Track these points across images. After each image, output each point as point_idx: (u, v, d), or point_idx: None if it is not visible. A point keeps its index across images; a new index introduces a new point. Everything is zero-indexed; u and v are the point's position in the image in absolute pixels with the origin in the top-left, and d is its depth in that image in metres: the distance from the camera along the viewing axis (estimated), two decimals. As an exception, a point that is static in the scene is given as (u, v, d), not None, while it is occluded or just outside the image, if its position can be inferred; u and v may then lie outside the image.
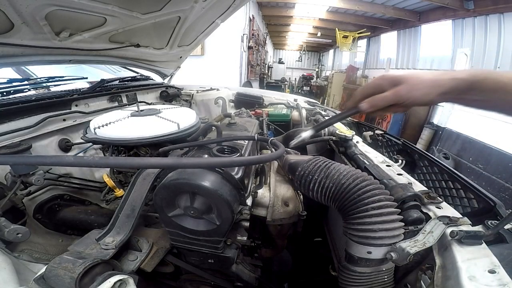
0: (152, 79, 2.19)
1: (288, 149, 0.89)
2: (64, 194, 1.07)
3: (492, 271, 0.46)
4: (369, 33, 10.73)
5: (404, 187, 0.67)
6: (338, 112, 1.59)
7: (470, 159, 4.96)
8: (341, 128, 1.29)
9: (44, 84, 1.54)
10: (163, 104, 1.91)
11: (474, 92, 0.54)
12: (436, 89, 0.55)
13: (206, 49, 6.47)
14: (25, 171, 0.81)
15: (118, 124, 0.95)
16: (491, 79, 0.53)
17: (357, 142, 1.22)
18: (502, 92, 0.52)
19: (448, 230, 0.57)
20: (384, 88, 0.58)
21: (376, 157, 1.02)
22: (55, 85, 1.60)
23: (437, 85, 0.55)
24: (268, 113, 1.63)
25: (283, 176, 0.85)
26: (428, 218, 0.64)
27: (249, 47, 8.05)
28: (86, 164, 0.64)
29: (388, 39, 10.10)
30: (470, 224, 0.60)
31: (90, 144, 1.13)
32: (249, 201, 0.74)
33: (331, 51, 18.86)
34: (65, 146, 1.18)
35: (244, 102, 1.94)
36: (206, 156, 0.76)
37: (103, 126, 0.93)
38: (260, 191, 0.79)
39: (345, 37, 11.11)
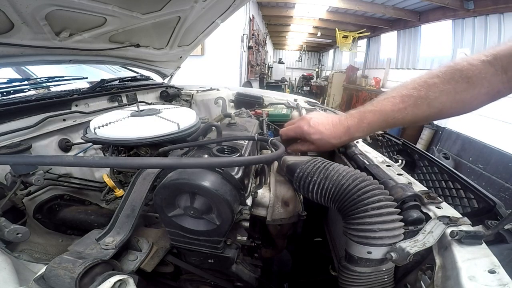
0: (152, 79, 2.19)
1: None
2: (64, 194, 1.07)
3: (492, 271, 0.46)
4: (369, 33, 10.74)
5: (404, 187, 0.67)
6: (338, 111, 1.59)
7: (470, 159, 4.96)
8: (341, 128, 1.28)
9: (44, 84, 1.53)
10: (163, 104, 1.91)
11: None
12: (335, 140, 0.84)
13: (206, 49, 6.48)
14: (25, 171, 0.81)
15: (118, 124, 0.94)
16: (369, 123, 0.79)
17: (357, 142, 1.22)
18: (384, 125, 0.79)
19: (448, 230, 0.57)
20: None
21: (376, 157, 1.02)
22: (55, 85, 1.60)
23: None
24: (268, 113, 1.62)
25: (283, 176, 0.85)
26: (428, 218, 0.63)
27: (249, 47, 8.06)
28: (86, 164, 0.64)
29: (388, 39, 10.11)
30: (470, 224, 0.60)
31: (90, 144, 1.13)
32: (249, 201, 0.74)
33: (331, 51, 18.86)
34: (65, 146, 1.18)
35: (244, 102, 1.94)
36: (206, 156, 0.76)
37: (103, 126, 0.92)
38: (260, 191, 0.79)
39: (345, 37, 11.11)
